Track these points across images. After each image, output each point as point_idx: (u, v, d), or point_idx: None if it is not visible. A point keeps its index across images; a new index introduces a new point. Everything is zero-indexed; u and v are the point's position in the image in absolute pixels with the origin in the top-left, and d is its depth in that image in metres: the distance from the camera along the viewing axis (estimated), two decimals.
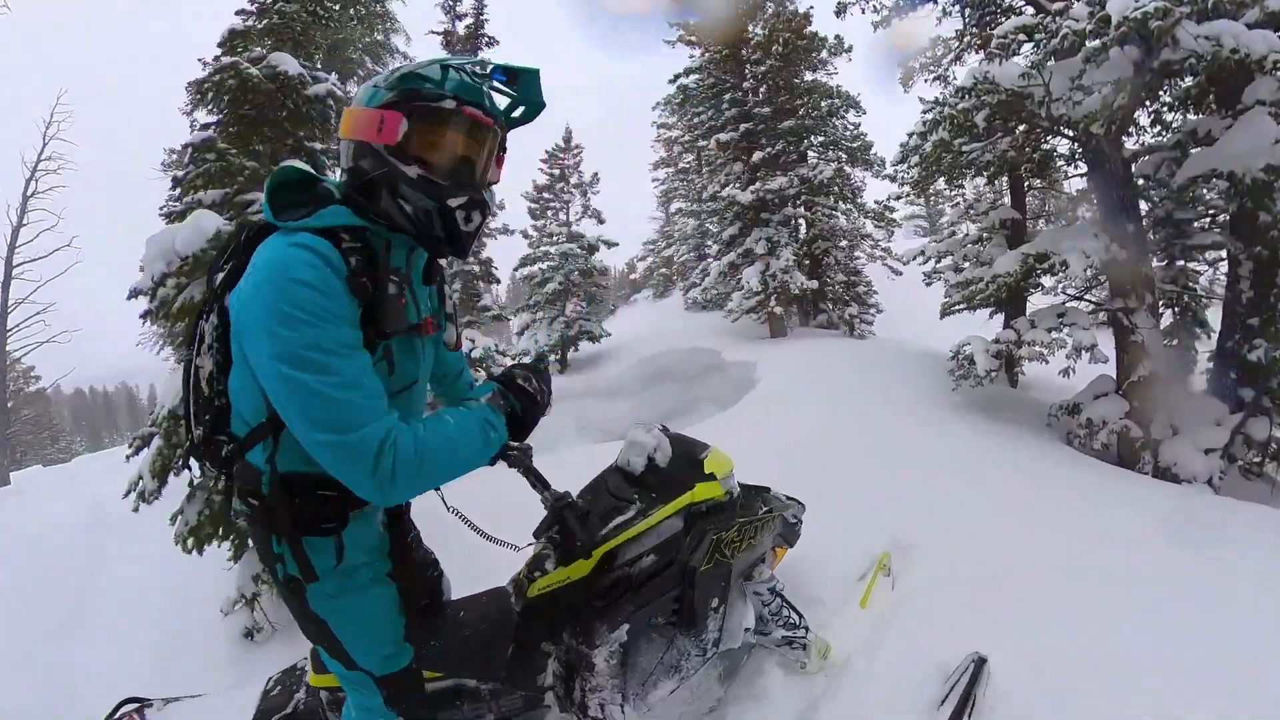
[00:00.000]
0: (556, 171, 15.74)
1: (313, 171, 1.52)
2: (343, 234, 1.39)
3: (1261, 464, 7.91)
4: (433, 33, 13.46)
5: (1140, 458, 7.49)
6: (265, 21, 6.65)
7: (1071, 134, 7.15)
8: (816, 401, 8.50)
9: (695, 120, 15.32)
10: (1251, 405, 7.66)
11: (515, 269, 15.70)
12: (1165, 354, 7.96)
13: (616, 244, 15.55)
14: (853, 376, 9.44)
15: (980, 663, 2.89)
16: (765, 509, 2.85)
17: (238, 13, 6.68)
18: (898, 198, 9.23)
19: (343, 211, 1.43)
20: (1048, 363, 7.62)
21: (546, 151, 15.79)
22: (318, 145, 6.06)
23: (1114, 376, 7.90)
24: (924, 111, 6.66)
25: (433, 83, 1.42)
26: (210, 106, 5.84)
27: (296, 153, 5.93)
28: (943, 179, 8.68)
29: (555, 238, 15.20)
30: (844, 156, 15.80)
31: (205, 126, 5.92)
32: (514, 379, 1.65)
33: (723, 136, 13.93)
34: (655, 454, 2.56)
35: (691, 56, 15.82)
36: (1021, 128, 7.45)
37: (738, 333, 14.41)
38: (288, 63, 5.77)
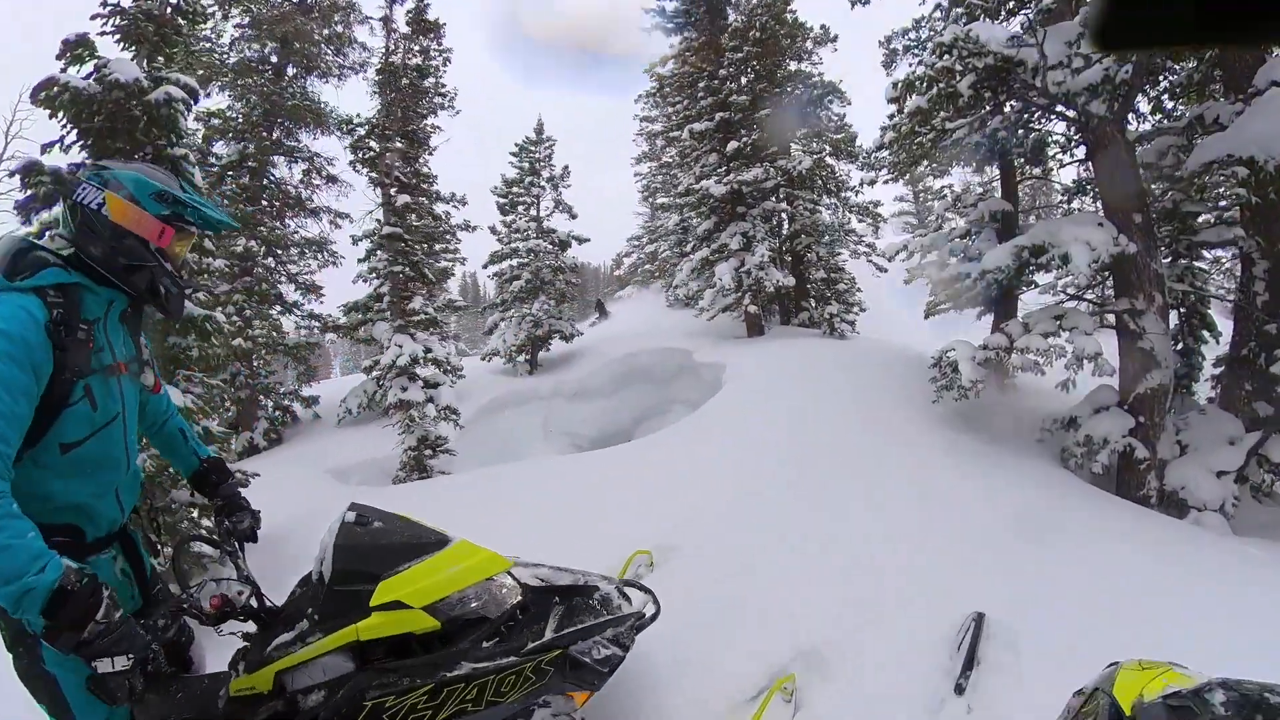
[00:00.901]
0: (526, 165, 14.62)
1: (31, 241, 1.77)
2: (50, 290, 1.69)
3: (1271, 484, 6.87)
4: (370, 19, 12.34)
5: (1145, 481, 6.42)
6: (115, 23, 6.10)
7: (1072, 113, 6.06)
8: (777, 412, 7.44)
9: (671, 110, 14.25)
10: (1271, 422, 6.61)
11: (485, 265, 14.64)
12: (1175, 362, 6.90)
13: (588, 239, 14.46)
14: (824, 382, 8.37)
15: (980, 618, 3.28)
16: (532, 646, 2.06)
17: (92, 17, 6.11)
18: (871, 183, 8.15)
19: (53, 273, 1.72)
20: (1044, 373, 6.53)
21: (516, 144, 14.67)
22: (177, 151, 5.86)
23: (1116, 387, 6.84)
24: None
25: (190, 209, 1.87)
26: (61, 122, 5.47)
27: (157, 160, 5.71)
28: (926, 164, 7.58)
29: (525, 233, 14.09)
30: (828, 148, 14.73)
31: (48, 145, 5.53)
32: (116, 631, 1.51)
33: (697, 126, 12.84)
34: (323, 564, 1.99)
35: (671, 46, 14.75)
36: (1013, 104, 6.36)
37: (714, 332, 13.34)
38: (122, 69, 5.41)
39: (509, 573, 2.22)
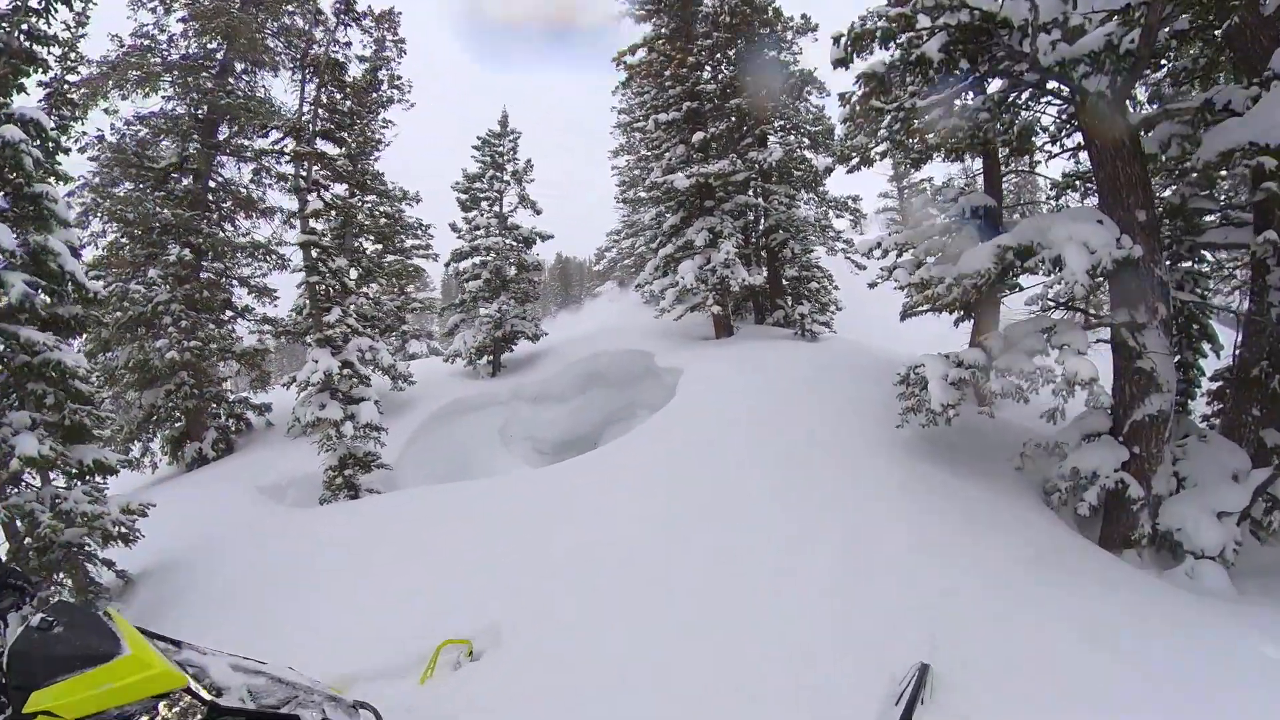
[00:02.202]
0: (489, 159, 13.37)
1: None
2: None
3: (1268, 518, 5.75)
4: (290, 10, 10.98)
5: (1137, 522, 5.31)
6: None
7: (1066, 91, 4.85)
8: (721, 428, 6.32)
9: (639, 100, 13.01)
10: None
11: (447, 264, 13.41)
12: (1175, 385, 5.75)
13: (551, 236, 13.23)
14: (781, 392, 7.25)
15: (924, 669, 3.13)
16: None
17: None
18: (829, 170, 6.97)
19: None
20: (1028, 401, 5.39)
21: (479, 137, 13.39)
22: (36, 189, 5.72)
23: (1108, 410, 5.71)
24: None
25: None
26: None
27: (17, 200, 5.71)
28: (900, 152, 6.37)
29: (487, 230, 12.88)
30: (805, 141, 13.46)
31: None
32: None
33: (663, 117, 11.60)
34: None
35: (645, 37, 13.43)
36: (997, 83, 5.16)
37: (682, 332, 12.18)
38: None
39: (189, 690, 2.12)
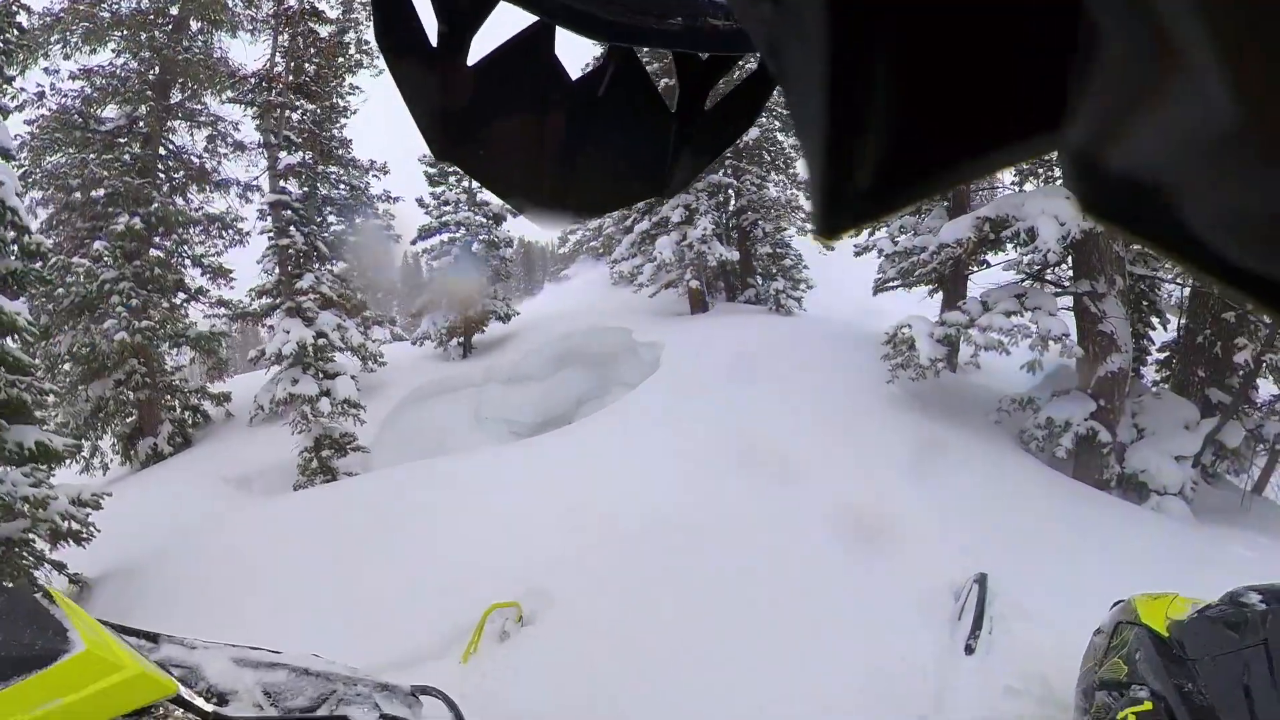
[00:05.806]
0: None
1: None
2: None
3: (1215, 464, 6.49)
4: None
5: (1106, 465, 5.89)
6: None
7: None
8: (710, 400, 6.54)
9: None
10: (1230, 409, 6.16)
11: (414, 241, 13.14)
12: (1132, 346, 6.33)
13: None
14: (770, 361, 7.57)
15: (983, 577, 3.38)
16: None
17: None
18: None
19: None
20: (1009, 353, 5.88)
21: None
22: None
23: (1073, 368, 6.26)
24: None
25: None
26: None
27: None
28: None
29: (455, 206, 12.67)
30: (776, 124, 13.77)
31: None
32: None
33: None
34: None
35: None
36: None
37: (656, 309, 12.38)
38: None
39: (179, 700, 1.58)
